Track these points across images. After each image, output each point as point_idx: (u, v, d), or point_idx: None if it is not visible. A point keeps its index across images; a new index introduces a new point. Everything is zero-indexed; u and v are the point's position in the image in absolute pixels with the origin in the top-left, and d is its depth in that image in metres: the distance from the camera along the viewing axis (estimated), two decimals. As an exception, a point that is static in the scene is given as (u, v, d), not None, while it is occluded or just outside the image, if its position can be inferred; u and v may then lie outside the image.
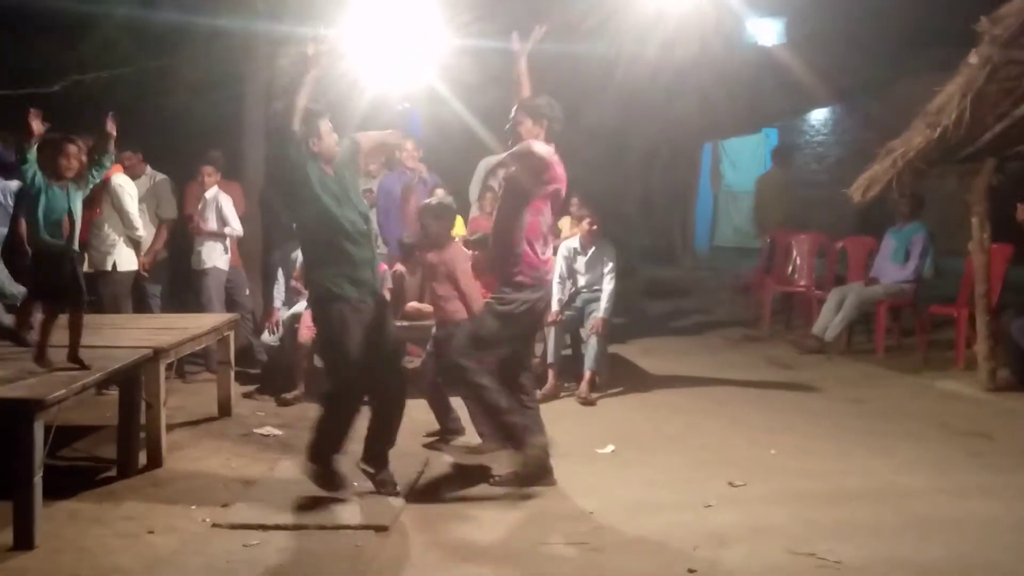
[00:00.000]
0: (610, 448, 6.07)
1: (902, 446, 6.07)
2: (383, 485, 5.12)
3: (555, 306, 7.67)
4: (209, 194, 8.26)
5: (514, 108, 5.39)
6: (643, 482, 5.41)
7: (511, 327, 5.27)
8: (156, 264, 8.22)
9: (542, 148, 5.23)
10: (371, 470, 5.15)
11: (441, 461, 5.81)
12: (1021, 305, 7.33)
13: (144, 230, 7.95)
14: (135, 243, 7.90)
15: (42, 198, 4.85)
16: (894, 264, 8.98)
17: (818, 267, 10.48)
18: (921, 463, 5.71)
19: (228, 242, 8.31)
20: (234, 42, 8.98)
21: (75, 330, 5.00)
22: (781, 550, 4.37)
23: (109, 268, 7.74)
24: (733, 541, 4.49)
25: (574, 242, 7.95)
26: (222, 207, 8.22)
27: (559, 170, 5.29)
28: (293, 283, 7.77)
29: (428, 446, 6.10)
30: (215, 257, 8.23)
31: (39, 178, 4.85)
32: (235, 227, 8.29)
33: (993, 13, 6.51)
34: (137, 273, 7.99)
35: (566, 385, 7.62)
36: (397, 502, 5.01)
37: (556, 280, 7.84)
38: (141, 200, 8.04)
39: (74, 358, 4.97)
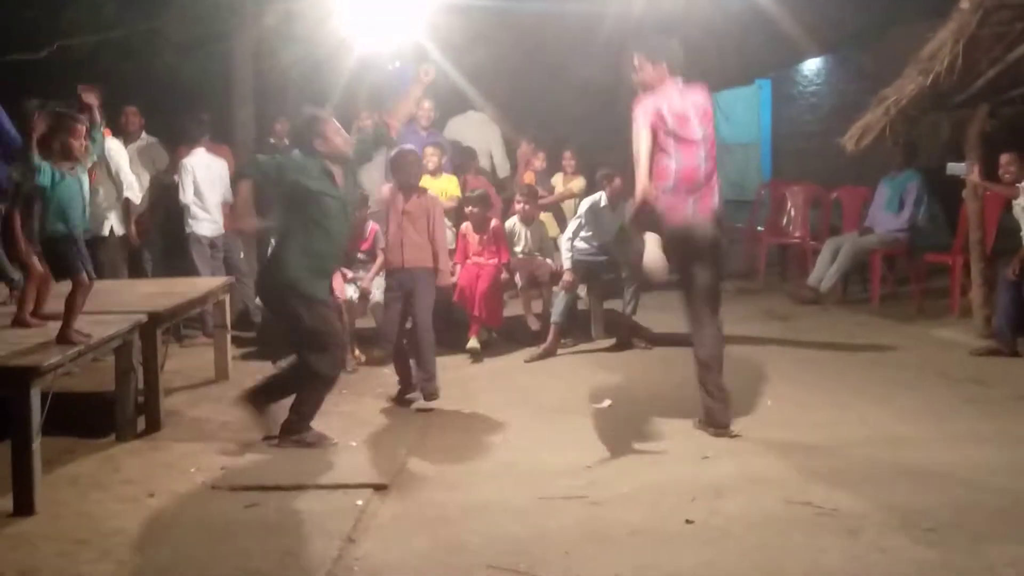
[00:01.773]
0: (607, 403, 6.09)
1: (898, 394, 6.10)
2: None
3: (567, 264, 7.60)
4: (184, 160, 8.19)
5: (631, 53, 5.22)
6: (640, 435, 5.44)
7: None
8: (151, 228, 8.18)
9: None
10: None
11: (439, 420, 5.84)
12: (1012, 252, 7.31)
13: (138, 192, 7.90)
14: (125, 208, 7.85)
15: (56, 191, 4.77)
16: (888, 213, 8.97)
17: (812, 218, 10.46)
18: (917, 411, 5.75)
19: (212, 207, 8.21)
20: (220, 0, 8.88)
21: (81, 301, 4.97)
22: (778, 499, 4.40)
23: (106, 233, 7.71)
24: (730, 492, 4.52)
25: (601, 199, 7.73)
26: (183, 176, 8.10)
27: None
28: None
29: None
30: (193, 222, 8.13)
31: (50, 171, 4.75)
32: (186, 194, 8.07)
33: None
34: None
35: (563, 341, 7.63)
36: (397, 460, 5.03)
37: (567, 236, 7.73)
38: (134, 162, 8.00)
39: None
